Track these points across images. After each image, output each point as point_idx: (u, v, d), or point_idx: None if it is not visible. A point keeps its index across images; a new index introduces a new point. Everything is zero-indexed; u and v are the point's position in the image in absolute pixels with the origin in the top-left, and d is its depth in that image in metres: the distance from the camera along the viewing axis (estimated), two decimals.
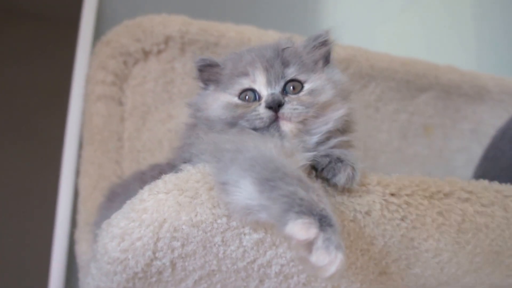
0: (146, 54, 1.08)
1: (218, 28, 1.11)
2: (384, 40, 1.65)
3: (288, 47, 0.68)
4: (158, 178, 0.56)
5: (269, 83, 0.65)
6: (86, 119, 1.04)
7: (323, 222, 0.46)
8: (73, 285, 1.09)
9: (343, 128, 0.68)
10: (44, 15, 1.31)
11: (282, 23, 1.49)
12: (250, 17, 1.46)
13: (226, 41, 1.10)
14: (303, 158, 0.57)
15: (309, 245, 0.45)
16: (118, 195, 0.73)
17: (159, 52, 1.09)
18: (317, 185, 0.55)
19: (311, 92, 0.65)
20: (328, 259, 0.44)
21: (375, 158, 1.26)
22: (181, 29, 1.08)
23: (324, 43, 0.71)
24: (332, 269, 0.45)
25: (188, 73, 1.10)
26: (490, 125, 1.40)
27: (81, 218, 0.95)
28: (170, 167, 0.61)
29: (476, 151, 1.37)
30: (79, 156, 1.04)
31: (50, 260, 1.08)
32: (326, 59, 0.72)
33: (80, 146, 1.05)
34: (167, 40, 1.08)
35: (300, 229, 0.45)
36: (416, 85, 1.31)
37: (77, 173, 1.03)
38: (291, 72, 0.66)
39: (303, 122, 0.63)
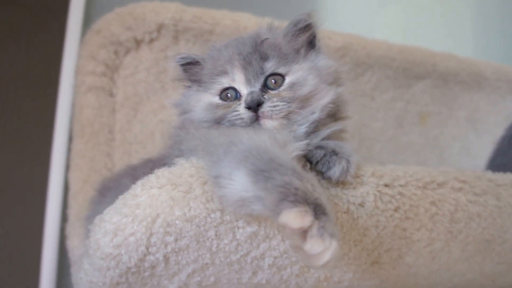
0: (138, 43, 1.05)
1: (213, 16, 1.08)
2: (382, 28, 1.63)
3: (266, 39, 0.66)
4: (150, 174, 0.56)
5: (248, 81, 0.64)
6: (76, 111, 1.02)
7: (318, 210, 0.46)
8: (65, 281, 1.09)
9: (334, 114, 0.67)
10: (31, 2, 1.26)
11: (279, 10, 1.46)
12: (246, 4, 1.43)
13: (221, 29, 1.07)
14: (296, 148, 0.57)
15: (304, 233, 0.45)
16: (110, 189, 0.72)
17: (152, 40, 1.06)
18: (311, 175, 0.55)
19: (292, 85, 0.64)
20: (322, 247, 0.45)
21: (370, 147, 1.25)
22: (175, 17, 1.05)
23: (306, 27, 0.68)
24: (326, 256, 0.45)
25: None
26: (485, 112, 1.40)
27: (72, 212, 0.95)
28: (162, 164, 0.60)
29: (471, 139, 1.38)
30: (69, 150, 1.02)
31: (41, 255, 1.08)
32: (311, 44, 0.69)
33: (70, 139, 1.04)
34: (160, 28, 1.05)
35: (295, 217, 0.45)
36: (413, 73, 1.29)
37: (67, 166, 1.02)
38: (270, 66, 0.65)
39: (286, 116, 0.62)
